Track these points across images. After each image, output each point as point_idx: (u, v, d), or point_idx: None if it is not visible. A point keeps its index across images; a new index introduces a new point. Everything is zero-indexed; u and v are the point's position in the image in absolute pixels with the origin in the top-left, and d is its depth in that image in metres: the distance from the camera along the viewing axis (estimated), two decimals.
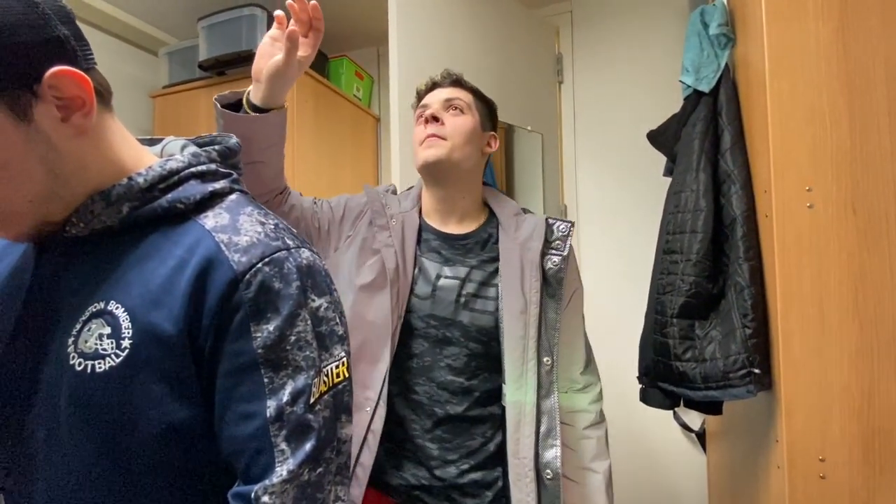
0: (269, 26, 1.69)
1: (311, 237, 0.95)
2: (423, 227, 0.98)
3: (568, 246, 0.95)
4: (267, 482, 0.47)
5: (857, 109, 0.80)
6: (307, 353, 0.51)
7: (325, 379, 0.53)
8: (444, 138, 0.92)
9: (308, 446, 0.49)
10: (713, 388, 0.90)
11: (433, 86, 0.98)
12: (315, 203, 0.99)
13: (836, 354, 0.78)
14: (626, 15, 1.81)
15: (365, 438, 0.86)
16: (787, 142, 0.83)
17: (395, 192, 1.04)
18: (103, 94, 0.52)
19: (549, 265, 0.93)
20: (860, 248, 0.78)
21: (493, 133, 1.01)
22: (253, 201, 0.60)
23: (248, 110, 0.82)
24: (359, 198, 1.01)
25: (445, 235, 0.97)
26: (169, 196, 0.53)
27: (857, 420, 0.77)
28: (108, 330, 0.49)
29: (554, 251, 0.94)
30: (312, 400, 0.51)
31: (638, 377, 1.12)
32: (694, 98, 1.09)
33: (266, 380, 0.49)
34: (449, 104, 0.95)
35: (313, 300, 0.53)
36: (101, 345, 0.48)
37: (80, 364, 0.48)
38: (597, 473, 0.96)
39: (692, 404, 1.05)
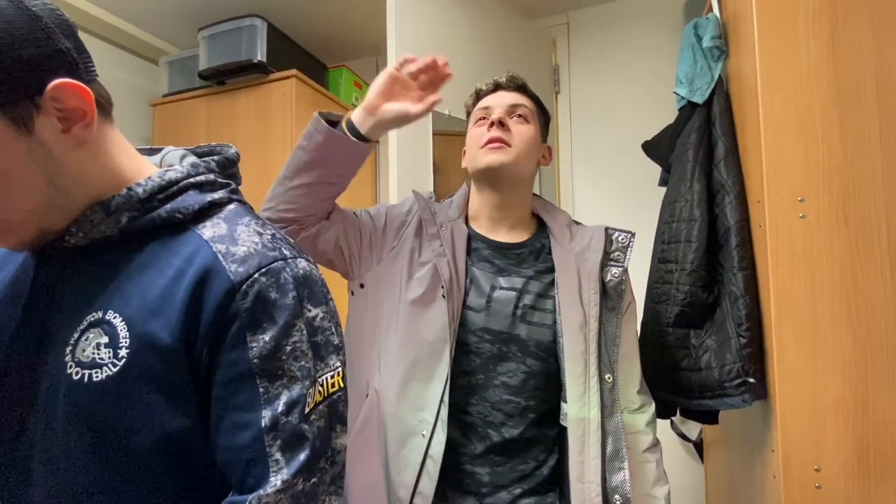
0: (269, 36, 1.73)
1: (350, 253, 0.90)
2: (472, 236, 0.93)
3: (628, 257, 0.90)
4: (261, 492, 0.47)
5: (847, 122, 0.81)
6: (302, 363, 0.51)
7: (321, 389, 0.53)
8: (509, 144, 0.88)
9: (302, 456, 0.49)
10: (708, 397, 0.90)
11: (496, 87, 0.94)
12: (355, 214, 0.93)
13: (830, 364, 0.79)
14: (621, 27, 1.83)
15: (423, 465, 0.79)
16: (779, 153, 0.84)
17: (436, 200, 0.99)
18: (104, 106, 0.52)
19: (608, 277, 0.88)
20: (852, 258, 0.79)
21: (548, 146, 0.99)
22: (251, 211, 0.60)
23: (347, 131, 0.81)
24: (399, 206, 0.96)
25: (498, 244, 0.92)
26: (168, 206, 0.53)
27: (851, 430, 0.77)
28: (105, 339, 0.49)
29: (614, 262, 0.90)
30: (307, 410, 0.51)
31: None
32: (688, 109, 1.11)
33: (261, 390, 0.49)
34: (514, 110, 0.91)
35: (309, 310, 0.53)
36: (98, 354, 0.49)
37: (77, 373, 0.48)
38: (658, 500, 0.89)
39: (688, 413, 1.05)
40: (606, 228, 0.92)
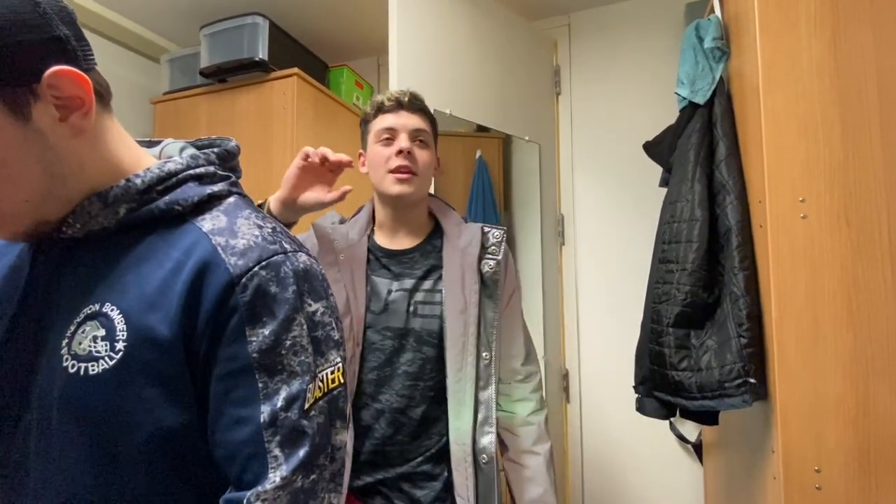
0: (270, 35, 1.72)
1: None
2: (372, 248, 1.04)
3: (503, 251, 1.04)
4: (259, 488, 0.46)
5: (849, 122, 0.81)
6: (302, 357, 0.51)
7: (321, 384, 0.52)
8: (416, 174, 0.98)
9: (302, 452, 0.49)
10: (709, 397, 0.90)
11: (399, 106, 1.01)
12: None
13: (831, 364, 0.78)
14: (622, 28, 1.83)
15: None
16: (780, 153, 0.84)
17: (342, 221, 1.10)
18: (103, 95, 0.52)
19: (485, 269, 1.02)
20: (853, 259, 0.79)
21: (438, 157, 1.09)
22: (251, 205, 0.60)
23: None
24: (307, 240, 1.04)
25: (393, 252, 1.04)
26: (166, 198, 0.53)
27: (852, 430, 0.77)
28: (102, 332, 0.48)
29: (490, 255, 1.03)
30: (307, 405, 0.50)
31: (634, 387, 1.11)
32: (689, 110, 1.11)
33: (260, 384, 0.49)
34: (417, 135, 1.00)
35: (309, 304, 0.53)
36: (94, 347, 0.48)
37: (73, 366, 0.48)
38: (538, 455, 1.04)
39: (688, 414, 1.05)
40: (482, 226, 1.06)
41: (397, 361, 0.98)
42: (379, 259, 1.04)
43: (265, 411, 0.48)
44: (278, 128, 1.73)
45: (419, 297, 1.00)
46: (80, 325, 0.49)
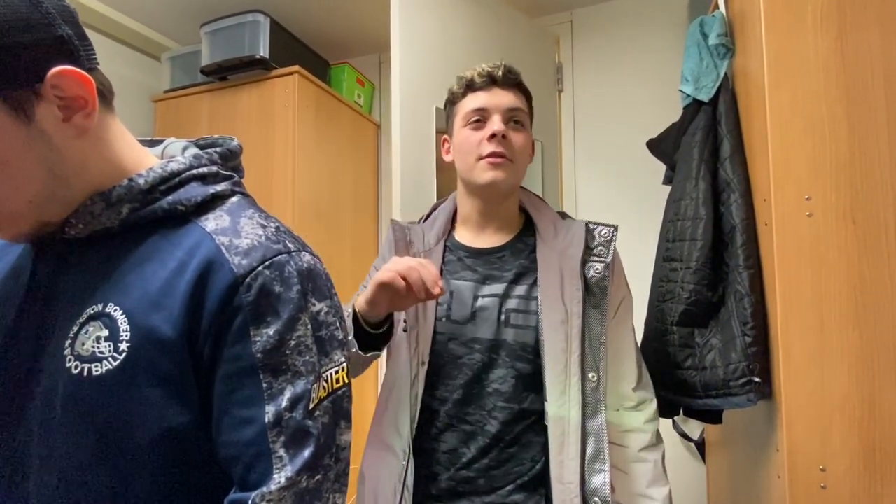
0: (271, 32, 1.72)
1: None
2: (453, 247, 0.92)
3: (612, 252, 0.88)
4: (264, 489, 0.46)
5: (855, 119, 0.80)
6: (307, 357, 0.51)
7: (325, 384, 0.52)
8: (511, 160, 0.85)
9: (307, 453, 0.49)
10: (713, 396, 0.90)
11: (492, 82, 0.88)
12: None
13: (837, 363, 0.78)
14: (625, 25, 1.82)
15: (402, 496, 0.82)
16: (786, 151, 0.83)
17: (425, 219, 0.98)
18: (105, 95, 0.52)
19: (590, 273, 0.86)
20: (859, 257, 0.78)
21: (533, 140, 0.94)
22: (254, 204, 0.60)
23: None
24: (383, 250, 0.96)
25: (479, 251, 0.90)
26: (170, 198, 0.53)
27: (857, 429, 0.77)
28: (105, 332, 0.48)
29: (596, 258, 0.87)
30: (311, 406, 0.50)
31: None
32: (693, 107, 1.10)
33: (265, 385, 0.49)
34: (512, 115, 0.87)
35: (314, 304, 0.53)
36: (98, 348, 0.48)
37: (76, 367, 0.48)
38: (655, 501, 0.86)
39: (692, 413, 1.05)
40: (587, 223, 0.90)
41: (486, 378, 0.84)
42: (462, 259, 0.90)
43: (270, 412, 0.48)
44: (280, 125, 1.73)
45: (512, 304, 0.85)
46: (83, 325, 0.49)
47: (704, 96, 1.07)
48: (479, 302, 0.86)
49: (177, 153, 0.58)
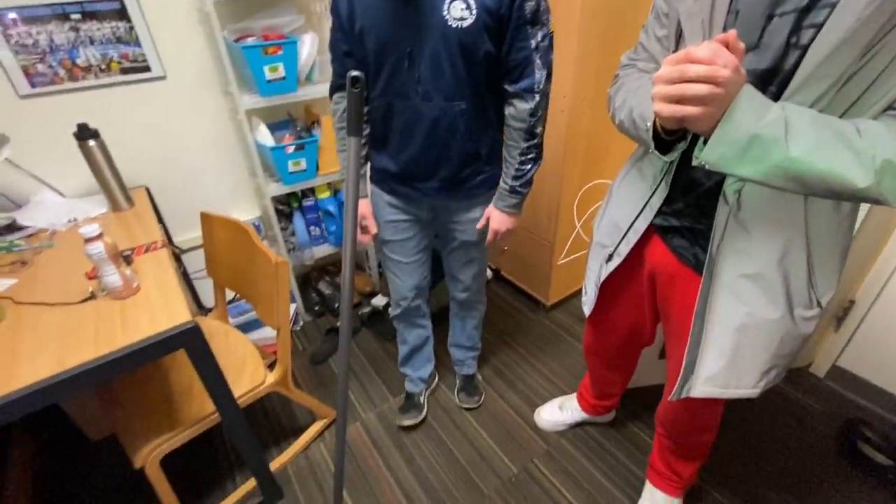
0: None
1: None
2: None
3: None
4: (534, 81, 1.07)
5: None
6: (546, 16, 1.03)
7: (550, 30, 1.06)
8: None
9: (547, 66, 1.07)
10: None
11: None
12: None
13: None
14: None
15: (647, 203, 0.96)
16: None
17: None
18: None
19: None
20: None
21: None
22: None
23: None
24: None
25: None
26: None
27: None
28: (464, 5, 0.99)
29: None
30: (547, 42, 1.05)
31: None
32: None
33: (530, 31, 1.02)
34: None
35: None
36: (462, 13, 0.99)
37: (452, 22, 0.99)
38: None
39: None
40: None
41: None
42: None
43: (533, 43, 1.03)
44: None
45: (807, 20, 0.65)
46: (451, 3, 0.98)
47: None
48: (772, 24, 0.70)
49: None
